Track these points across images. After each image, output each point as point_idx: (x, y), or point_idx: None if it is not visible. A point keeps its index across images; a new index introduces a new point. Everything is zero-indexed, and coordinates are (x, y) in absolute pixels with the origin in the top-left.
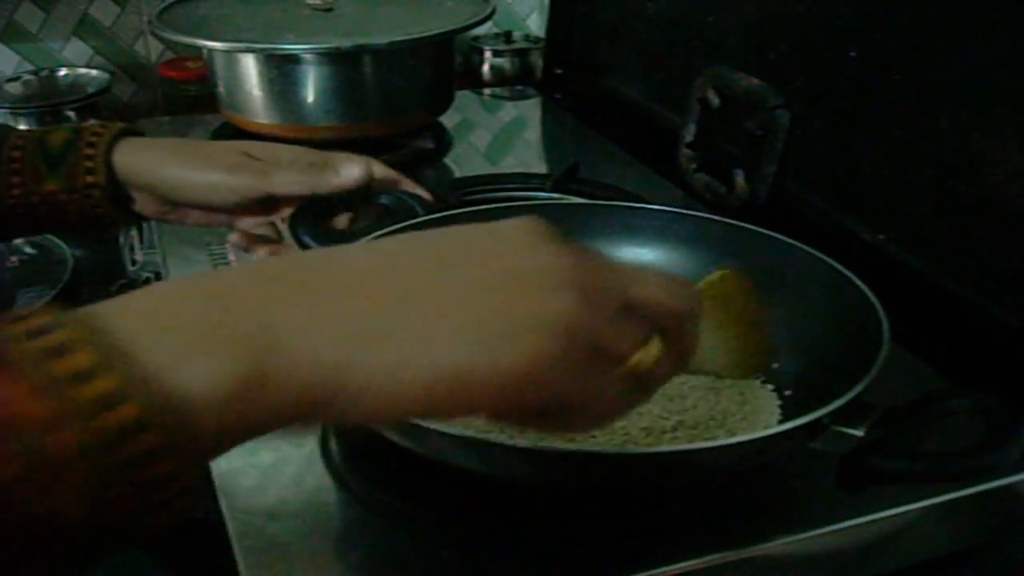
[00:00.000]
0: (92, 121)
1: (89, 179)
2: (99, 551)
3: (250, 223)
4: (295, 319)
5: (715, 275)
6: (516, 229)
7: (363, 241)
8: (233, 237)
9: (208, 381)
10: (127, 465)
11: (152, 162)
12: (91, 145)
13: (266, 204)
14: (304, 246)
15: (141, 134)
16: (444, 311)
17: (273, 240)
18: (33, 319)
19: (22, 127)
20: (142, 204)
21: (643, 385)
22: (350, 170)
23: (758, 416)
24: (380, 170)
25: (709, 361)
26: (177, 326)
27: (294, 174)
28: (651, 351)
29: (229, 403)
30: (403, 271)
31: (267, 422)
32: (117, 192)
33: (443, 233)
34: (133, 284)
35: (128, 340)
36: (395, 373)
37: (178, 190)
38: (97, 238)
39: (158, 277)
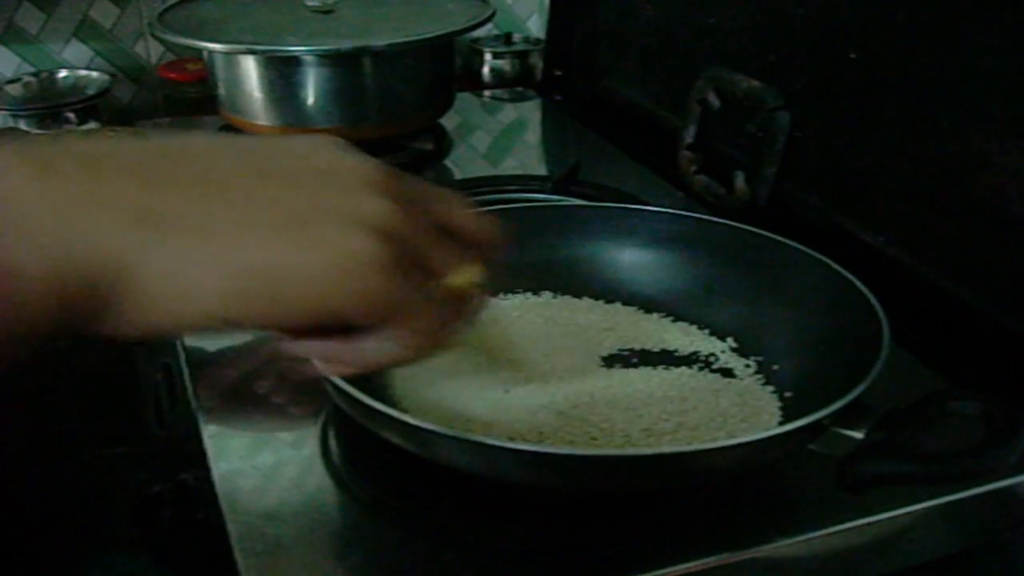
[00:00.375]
0: (97, 125)
1: None
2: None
3: None
4: (65, 201)
5: None
6: (328, 138)
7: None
8: None
9: None
10: None
11: None
12: None
13: None
14: None
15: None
16: (246, 201)
17: None
18: None
19: (22, 128)
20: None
21: (460, 309)
22: None
23: (758, 417)
24: None
25: None
26: None
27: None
28: (468, 275)
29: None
30: (204, 157)
31: (20, 323)
32: None
33: (255, 136)
34: None
35: None
36: (184, 265)
37: None
38: None
39: None
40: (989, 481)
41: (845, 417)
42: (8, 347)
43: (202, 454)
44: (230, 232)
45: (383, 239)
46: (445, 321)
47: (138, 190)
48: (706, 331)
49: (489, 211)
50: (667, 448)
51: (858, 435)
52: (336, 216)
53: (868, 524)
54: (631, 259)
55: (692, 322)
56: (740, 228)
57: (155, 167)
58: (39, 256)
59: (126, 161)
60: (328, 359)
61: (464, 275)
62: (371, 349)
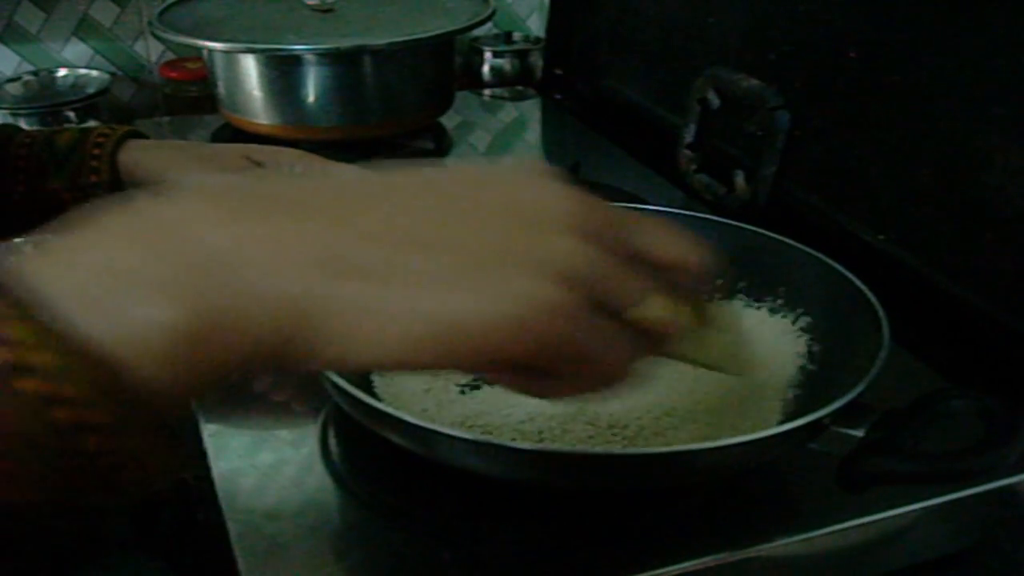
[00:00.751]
0: (96, 123)
1: (93, 178)
2: (73, 540)
3: None
4: (254, 245)
5: None
6: (519, 166)
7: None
8: None
9: (141, 333)
10: (57, 432)
11: (156, 163)
12: (98, 145)
13: None
14: None
15: (146, 137)
16: (429, 247)
17: None
18: None
19: (22, 127)
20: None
21: (650, 342)
22: None
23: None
24: None
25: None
26: (102, 269)
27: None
28: (659, 305)
29: (171, 355)
30: (387, 196)
31: (222, 369)
32: (119, 192)
33: (439, 166)
34: None
35: (49, 297)
36: (371, 312)
37: None
38: None
39: None
40: (989, 480)
41: (845, 416)
42: (197, 386)
43: (202, 453)
44: (411, 280)
45: (569, 284)
46: (634, 355)
47: (323, 234)
48: None
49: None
50: (666, 447)
51: (858, 434)
52: (521, 262)
53: (868, 523)
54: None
55: None
56: (742, 227)
57: (341, 208)
58: (236, 295)
59: (309, 203)
60: (515, 390)
61: (658, 305)
62: (557, 386)
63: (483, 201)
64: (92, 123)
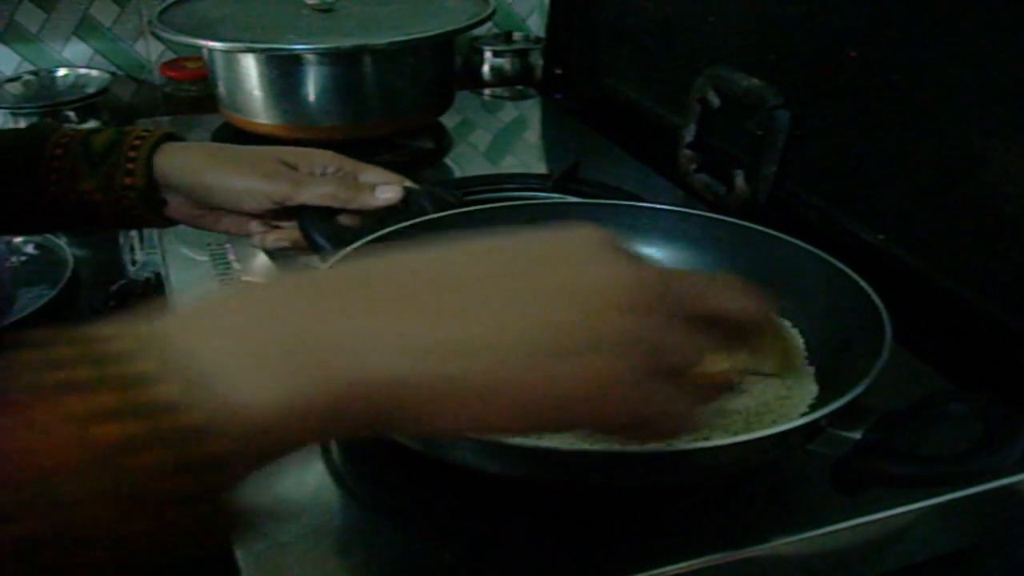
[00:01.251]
0: (92, 122)
1: (128, 180)
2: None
3: (280, 240)
4: (362, 334)
5: None
6: (576, 238)
7: (414, 247)
8: (253, 226)
9: (281, 403)
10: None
11: (192, 166)
12: (134, 148)
13: (296, 211)
14: (315, 244)
15: (182, 139)
16: (504, 325)
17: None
18: (115, 342)
19: (22, 126)
20: (175, 207)
21: (709, 395)
22: (386, 192)
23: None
24: (410, 186)
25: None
26: (251, 351)
27: (330, 187)
28: (719, 362)
29: (295, 423)
30: (464, 281)
31: (332, 435)
32: (153, 195)
33: (501, 241)
34: (133, 284)
35: (206, 369)
36: (455, 387)
37: (215, 194)
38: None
39: (158, 277)
40: (988, 480)
41: (843, 418)
42: (296, 448)
43: None
44: (497, 360)
45: (628, 357)
46: (694, 408)
47: (416, 315)
48: None
49: (497, 208)
50: (662, 447)
51: (855, 436)
52: (583, 340)
53: (868, 523)
54: None
55: None
56: (745, 226)
57: (433, 290)
58: (336, 370)
59: (404, 285)
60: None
61: (720, 361)
62: (626, 441)
63: (553, 282)
64: (92, 123)
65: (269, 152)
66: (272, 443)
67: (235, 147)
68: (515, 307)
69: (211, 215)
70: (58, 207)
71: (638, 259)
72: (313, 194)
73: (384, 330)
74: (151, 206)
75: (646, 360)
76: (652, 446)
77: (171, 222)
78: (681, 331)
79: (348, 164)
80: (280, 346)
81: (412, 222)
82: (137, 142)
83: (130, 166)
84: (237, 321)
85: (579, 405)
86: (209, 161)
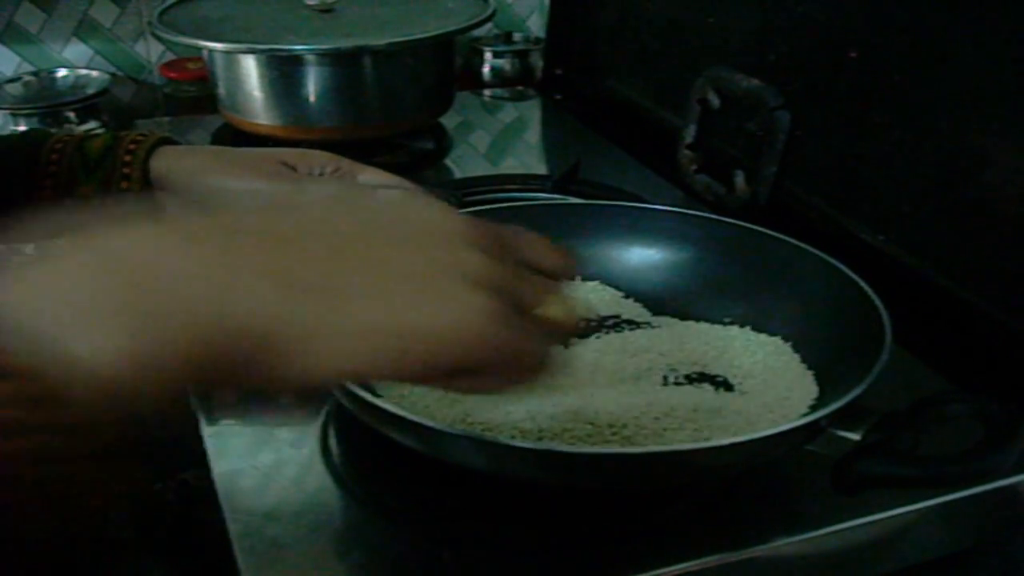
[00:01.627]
0: (92, 123)
1: (124, 185)
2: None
3: None
4: (205, 268)
5: None
6: (415, 195)
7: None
8: None
9: (125, 356)
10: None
11: (191, 169)
12: (130, 152)
13: None
14: None
15: (178, 143)
16: (370, 266)
17: None
18: None
19: (22, 128)
20: (175, 211)
21: (556, 336)
22: (385, 195)
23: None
24: (409, 186)
25: None
26: (89, 308)
27: (330, 188)
28: (557, 303)
29: (149, 373)
30: (325, 224)
31: (173, 387)
32: (150, 198)
33: (359, 196)
34: None
35: (47, 332)
36: (323, 330)
37: (216, 196)
38: None
39: None
40: (988, 481)
41: (842, 418)
42: (154, 397)
43: (202, 453)
44: (361, 298)
45: (491, 291)
46: (546, 350)
47: (275, 259)
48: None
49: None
50: (662, 447)
51: (855, 437)
52: (449, 275)
53: (868, 523)
54: (638, 257)
55: (697, 319)
56: (745, 227)
57: (286, 237)
58: (190, 317)
59: (260, 232)
60: (454, 391)
61: (553, 304)
62: (488, 383)
63: (400, 224)
64: (92, 124)
65: (268, 154)
66: (131, 392)
67: (234, 150)
68: (373, 248)
69: None
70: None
71: (456, 212)
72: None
73: (241, 275)
74: (148, 209)
75: (500, 295)
76: (651, 447)
77: None
78: (521, 274)
79: (346, 165)
80: (119, 299)
81: None
82: (133, 146)
83: (126, 170)
84: (76, 278)
85: (443, 339)
86: (209, 164)
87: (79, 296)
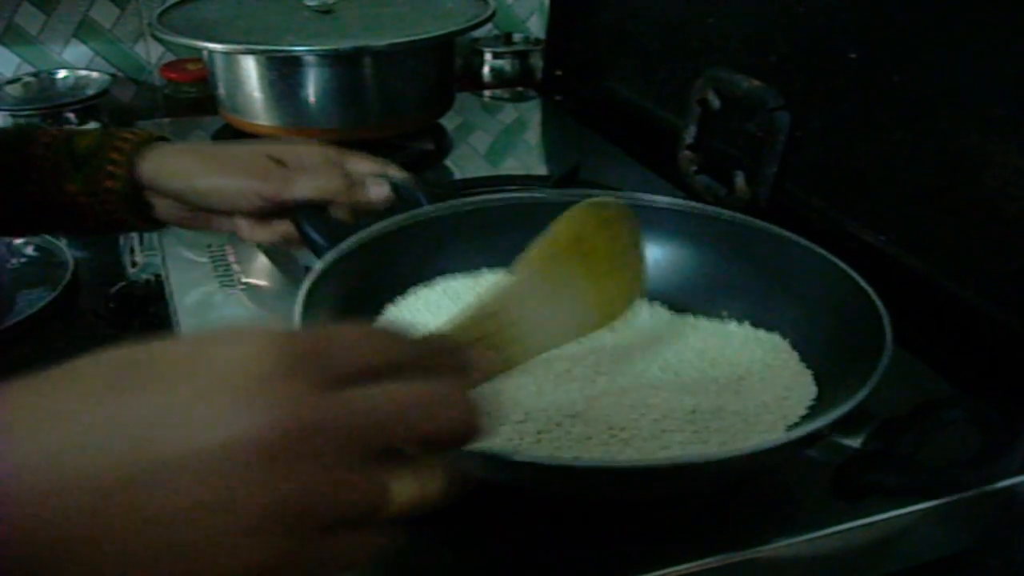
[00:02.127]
0: (92, 124)
1: (109, 184)
2: None
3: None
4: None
5: (568, 214)
6: (225, 376)
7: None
8: (241, 223)
9: None
10: None
11: (181, 168)
12: (117, 150)
13: (288, 207)
14: (311, 240)
15: (167, 140)
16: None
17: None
18: None
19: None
20: (165, 210)
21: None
22: (376, 189)
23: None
24: (396, 174)
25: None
26: None
27: (320, 180)
28: (404, 489)
29: None
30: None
31: None
32: (137, 198)
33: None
34: (133, 286)
35: None
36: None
37: (207, 196)
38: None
39: (158, 279)
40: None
41: (843, 425)
42: None
43: None
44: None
45: (294, 529)
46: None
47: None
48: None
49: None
50: (663, 459)
51: (855, 444)
52: (232, 522)
53: (868, 525)
54: None
55: (696, 315)
56: (748, 222)
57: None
58: None
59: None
60: None
61: (410, 487)
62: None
63: (195, 455)
64: (92, 125)
65: (256, 149)
66: None
67: (221, 147)
68: (151, 482)
69: (203, 217)
70: (44, 208)
71: (301, 387)
72: (304, 189)
73: None
74: (134, 210)
75: (306, 531)
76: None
77: (158, 224)
78: (353, 473)
79: (334, 153)
80: None
81: (412, 213)
82: (121, 143)
83: (112, 168)
84: None
85: None
86: (198, 165)
87: None
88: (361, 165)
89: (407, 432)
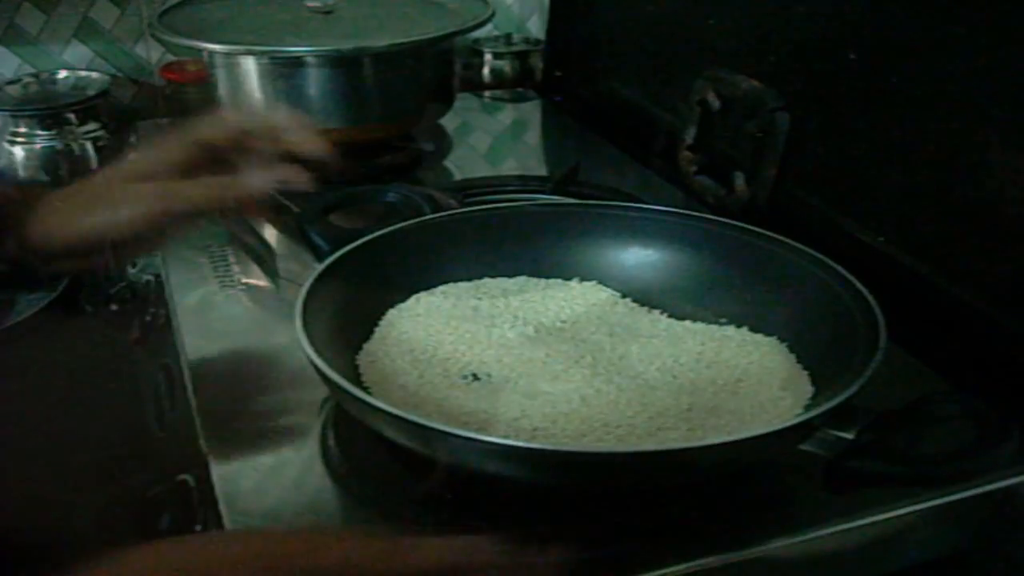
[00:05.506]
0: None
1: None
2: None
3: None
4: None
5: None
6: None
7: None
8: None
9: None
10: None
11: (62, 227)
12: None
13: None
14: (313, 245)
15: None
16: None
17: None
18: None
19: (22, 130)
20: (70, 264)
21: None
22: (258, 180)
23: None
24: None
25: None
26: None
27: (199, 188)
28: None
29: None
30: None
31: None
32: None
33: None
34: (133, 287)
35: None
36: None
37: (103, 239)
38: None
39: (158, 280)
40: (986, 482)
41: (836, 418)
42: None
43: (202, 454)
44: None
45: None
46: None
47: None
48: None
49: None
50: (654, 446)
51: (848, 436)
52: None
53: (865, 525)
54: (635, 258)
55: (694, 319)
56: (744, 228)
57: None
58: None
59: None
60: None
61: None
62: None
63: None
64: (92, 126)
65: (230, 128)
66: None
67: (84, 188)
68: None
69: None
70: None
71: None
72: (184, 200)
73: None
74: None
75: None
76: (642, 446)
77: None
78: None
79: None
80: None
81: (414, 220)
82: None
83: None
84: None
85: None
86: (71, 214)
87: None
88: (284, 121)
89: None
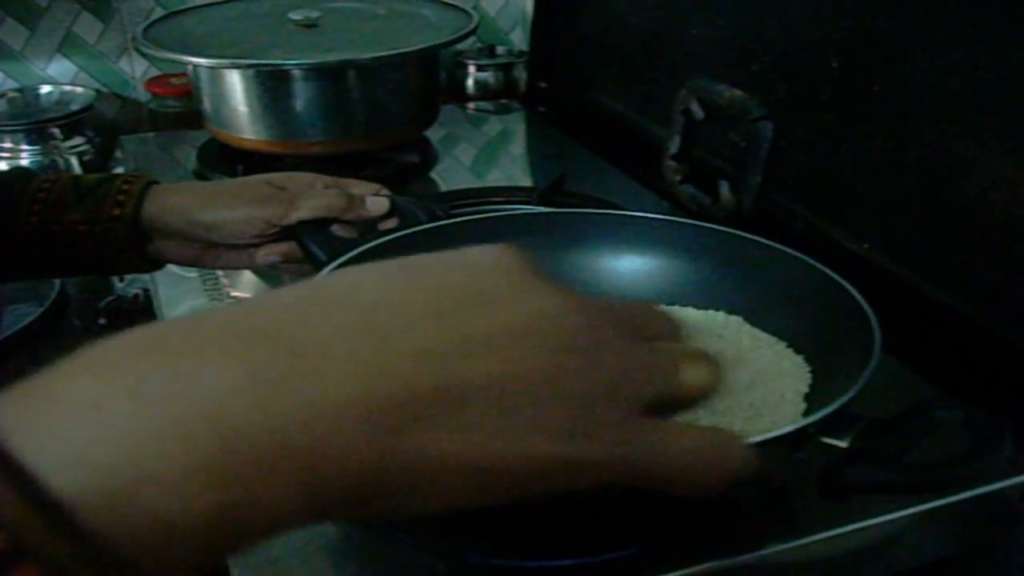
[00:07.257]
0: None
1: (116, 211)
2: None
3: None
4: (286, 401)
5: None
6: (492, 266)
7: (328, 279)
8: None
9: (155, 532)
10: None
11: (183, 207)
12: (127, 182)
13: (290, 229)
14: (312, 256)
15: (158, 183)
16: (466, 387)
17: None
18: None
19: (7, 144)
20: (168, 249)
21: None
22: (376, 204)
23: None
24: (391, 194)
25: None
26: (96, 434)
27: (324, 199)
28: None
29: (191, 546)
30: (399, 323)
31: (256, 540)
32: (140, 233)
33: (415, 272)
34: (122, 301)
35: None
36: (437, 473)
37: (213, 228)
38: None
39: (147, 294)
40: (977, 486)
41: (830, 426)
42: (249, 541)
43: None
44: (475, 434)
45: (600, 405)
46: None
47: (369, 389)
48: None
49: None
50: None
51: (842, 444)
52: (565, 389)
53: (859, 530)
54: (628, 266)
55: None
56: (736, 234)
57: (372, 354)
58: (281, 472)
59: (320, 333)
60: None
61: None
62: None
63: (508, 328)
64: (77, 140)
65: (252, 179)
66: (216, 553)
67: (220, 182)
68: (472, 362)
69: (210, 253)
70: (40, 241)
71: (561, 287)
72: (308, 207)
73: (339, 421)
74: (135, 244)
75: (615, 406)
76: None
77: (156, 265)
78: (647, 352)
79: (331, 181)
80: (203, 450)
81: (411, 230)
82: (131, 179)
83: (120, 197)
84: (138, 421)
85: (552, 467)
86: (200, 199)
87: (151, 445)
88: (358, 186)
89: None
